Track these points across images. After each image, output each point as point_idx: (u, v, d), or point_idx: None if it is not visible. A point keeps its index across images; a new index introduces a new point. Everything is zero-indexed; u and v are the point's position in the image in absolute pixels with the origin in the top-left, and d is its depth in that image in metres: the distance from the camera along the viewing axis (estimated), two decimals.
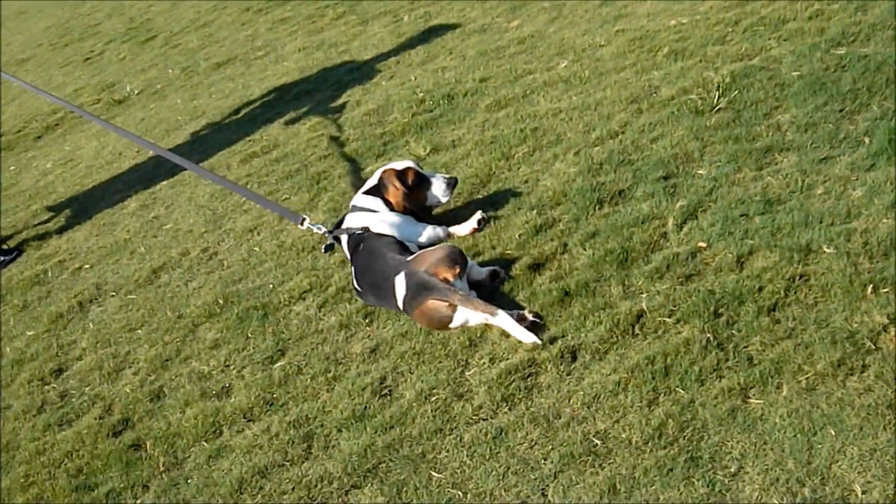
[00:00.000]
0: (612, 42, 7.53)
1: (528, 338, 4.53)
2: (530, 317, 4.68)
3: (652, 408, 3.94)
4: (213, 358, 5.28)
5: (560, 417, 4.05)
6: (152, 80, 11.34)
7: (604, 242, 5.00)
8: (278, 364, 5.03)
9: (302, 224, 5.81)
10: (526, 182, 5.86)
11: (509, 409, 4.18)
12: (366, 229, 5.45)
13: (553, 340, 4.45)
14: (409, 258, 5.06)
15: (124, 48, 13.32)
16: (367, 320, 5.10)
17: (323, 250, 5.73)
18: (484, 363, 4.49)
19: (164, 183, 7.95)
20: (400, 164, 5.65)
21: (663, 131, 5.89)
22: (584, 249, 5.00)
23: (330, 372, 4.82)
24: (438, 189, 5.64)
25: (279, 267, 5.92)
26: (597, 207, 5.33)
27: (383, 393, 4.55)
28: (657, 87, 6.51)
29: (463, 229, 5.57)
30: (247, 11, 12.66)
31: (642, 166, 5.57)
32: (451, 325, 4.78)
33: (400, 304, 4.98)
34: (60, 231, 7.76)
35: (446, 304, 4.72)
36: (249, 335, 5.34)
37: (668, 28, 7.41)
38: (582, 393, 4.12)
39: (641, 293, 4.57)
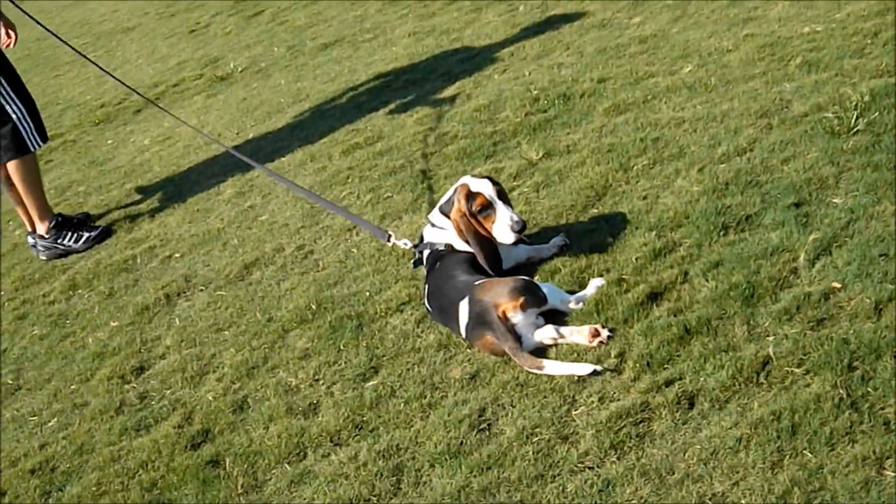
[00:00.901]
0: (741, 47, 7.11)
1: (585, 369, 4.26)
2: (605, 332, 4.44)
3: (776, 471, 3.55)
4: (301, 370, 4.99)
5: (673, 473, 3.68)
6: (257, 57, 11.14)
7: (728, 274, 4.61)
8: (370, 383, 4.72)
9: (388, 241, 5.51)
10: (645, 198, 5.49)
11: (618, 459, 3.82)
12: (449, 246, 5.15)
13: (669, 383, 4.07)
14: (477, 282, 4.75)
15: (231, 22, 13.16)
16: (467, 342, 4.75)
17: (413, 265, 5.41)
18: (593, 402, 4.12)
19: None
20: (476, 183, 5.12)
21: (795, 152, 5.47)
22: (707, 281, 4.62)
23: (426, 397, 4.50)
24: (501, 227, 5.05)
25: (377, 273, 5.63)
26: (721, 233, 4.94)
27: (482, 427, 4.20)
28: (789, 101, 6.09)
29: (544, 252, 5.27)
30: None
31: (772, 190, 5.17)
32: None
33: (463, 333, 4.71)
34: (153, 214, 7.57)
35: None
36: (342, 347, 5.05)
37: (802, 35, 6.97)
38: (699, 447, 3.75)
39: (768, 336, 4.18)
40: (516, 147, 6.65)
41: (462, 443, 4.14)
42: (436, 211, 5.27)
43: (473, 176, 5.21)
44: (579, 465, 3.84)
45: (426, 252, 5.23)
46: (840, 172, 5.16)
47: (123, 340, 5.78)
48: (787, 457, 3.59)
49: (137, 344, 5.72)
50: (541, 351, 4.52)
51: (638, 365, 4.22)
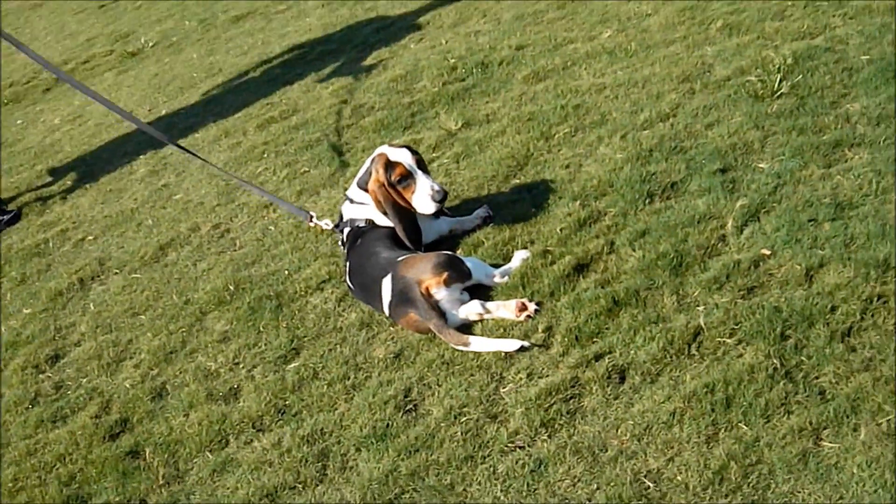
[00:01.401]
0: (660, 11, 7.02)
1: (512, 345, 4.14)
2: (532, 306, 4.33)
3: (711, 446, 3.47)
4: (221, 353, 4.83)
5: (606, 450, 3.58)
6: (168, 31, 10.90)
7: (655, 243, 4.51)
8: (292, 365, 4.57)
9: (311, 221, 5.36)
10: (567, 167, 5.38)
11: (549, 437, 3.71)
12: (370, 222, 4.99)
13: (599, 357, 3.97)
14: (399, 258, 4.62)
15: None
16: (391, 320, 4.62)
17: (340, 245, 5.23)
18: (521, 379, 4.01)
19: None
20: (395, 152, 4.96)
21: (719, 116, 5.40)
22: (634, 250, 4.52)
23: (349, 379, 4.36)
24: (422, 197, 4.91)
25: (296, 251, 5.47)
26: (647, 201, 4.85)
27: (408, 408, 4.07)
28: (711, 65, 6.01)
29: (467, 224, 5.14)
30: None
31: (697, 156, 5.09)
32: None
33: (386, 310, 4.57)
34: (65, 195, 7.34)
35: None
36: (261, 329, 4.89)
37: None
38: (631, 422, 3.65)
39: (698, 306, 4.09)
40: (435, 117, 6.51)
41: (388, 425, 4.01)
42: (353, 186, 5.10)
43: (391, 145, 5.06)
44: (510, 444, 3.73)
45: (346, 229, 5.07)
46: (765, 136, 5.09)
47: (37, 328, 5.57)
48: (723, 430, 3.51)
49: (52, 331, 5.51)
50: (466, 327, 4.41)
51: (566, 339, 4.12)
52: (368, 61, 7.89)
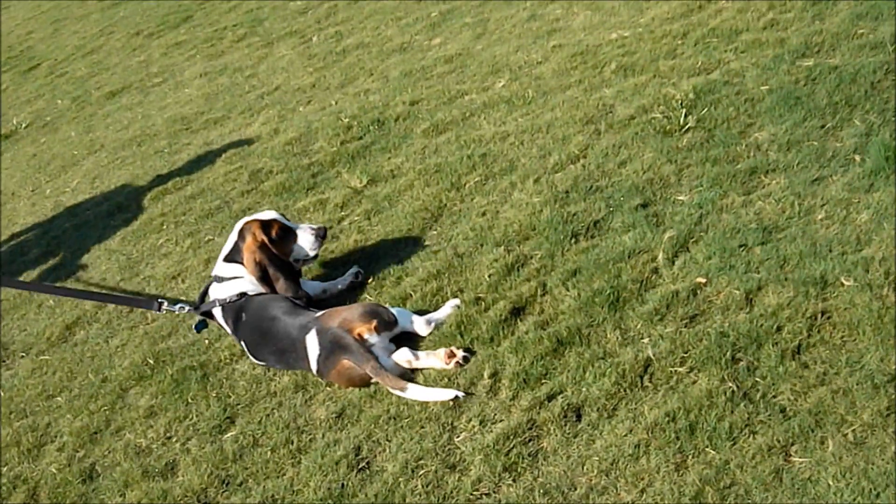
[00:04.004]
0: (551, 58, 7.08)
1: (447, 394, 4.09)
2: (461, 353, 4.27)
3: (682, 473, 3.44)
4: (150, 429, 4.65)
5: (576, 488, 3.53)
6: (41, 111, 10.65)
7: (588, 281, 4.50)
8: (229, 434, 4.42)
9: (159, 309, 5.20)
10: (484, 214, 5.35)
11: (514, 482, 3.64)
12: (242, 295, 4.92)
13: (551, 398, 3.93)
14: (319, 314, 4.56)
15: (6, 78, 12.61)
16: (318, 376, 4.49)
17: (195, 329, 5.15)
18: (474, 426, 3.94)
19: (68, 225, 7.28)
20: (265, 215, 5.09)
21: (630, 154, 5.43)
22: (568, 290, 4.50)
23: (293, 443, 4.22)
24: (305, 241, 5.06)
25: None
26: (572, 241, 4.85)
27: (360, 467, 3.96)
28: (612, 105, 6.06)
29: (339, 285, 5.17)
30: (136, 36, 12.04)
31: (615, 193, 5.11)
32: (372, 381, 4.34)
33: (314, 367, 4.46)
34: None
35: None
36: (190, 400, 4.73)
37: (611, 42, 6.99)
38: (596, 458, 3.61)
39: (642, 338, 4.08)
40: (337, 177, 6.44)
41: (343, 485, 3.89)
42: (220, 263, 5.09)
43: (251, 215, 5.14)
44: (475, 493, 3.66)
45: (217, 310, 4.99)
46: (680, 170, 5.14)
47: None
48: (690, 456, 3.49)
49: None
50: (407, 378, 4.32)
51: (514, 383, 4.06)
52: (258, 126, 7.80)
